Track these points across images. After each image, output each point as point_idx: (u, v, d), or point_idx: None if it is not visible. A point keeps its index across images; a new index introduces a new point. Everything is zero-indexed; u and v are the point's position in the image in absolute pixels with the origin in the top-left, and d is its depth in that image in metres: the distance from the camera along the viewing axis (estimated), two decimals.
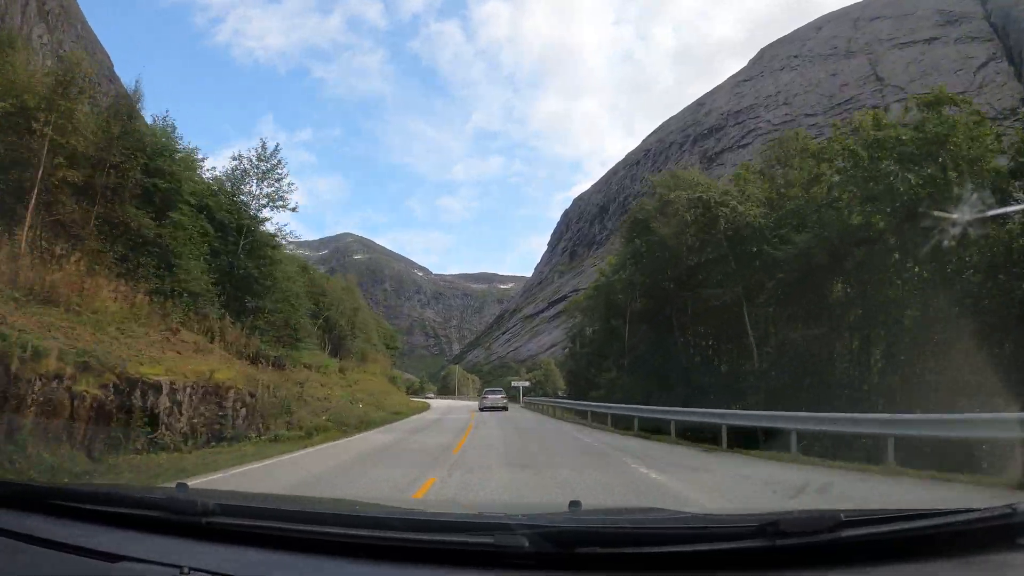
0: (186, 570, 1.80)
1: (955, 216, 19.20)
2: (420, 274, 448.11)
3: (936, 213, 19.62)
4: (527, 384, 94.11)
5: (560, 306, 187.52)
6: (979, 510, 1.83)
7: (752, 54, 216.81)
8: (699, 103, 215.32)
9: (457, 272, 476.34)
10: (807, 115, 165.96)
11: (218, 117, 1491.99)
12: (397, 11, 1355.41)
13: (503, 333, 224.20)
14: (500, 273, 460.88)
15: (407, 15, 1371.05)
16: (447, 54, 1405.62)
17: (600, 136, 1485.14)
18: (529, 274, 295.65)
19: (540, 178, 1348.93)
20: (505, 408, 47.46)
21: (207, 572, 1.80)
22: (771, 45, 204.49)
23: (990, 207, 19.21)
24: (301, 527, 2.07)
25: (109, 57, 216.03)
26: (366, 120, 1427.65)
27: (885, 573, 1.72)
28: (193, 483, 5.80)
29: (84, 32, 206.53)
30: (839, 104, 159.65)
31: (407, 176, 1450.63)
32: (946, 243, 20.25)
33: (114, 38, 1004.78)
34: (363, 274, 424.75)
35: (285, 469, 13.30)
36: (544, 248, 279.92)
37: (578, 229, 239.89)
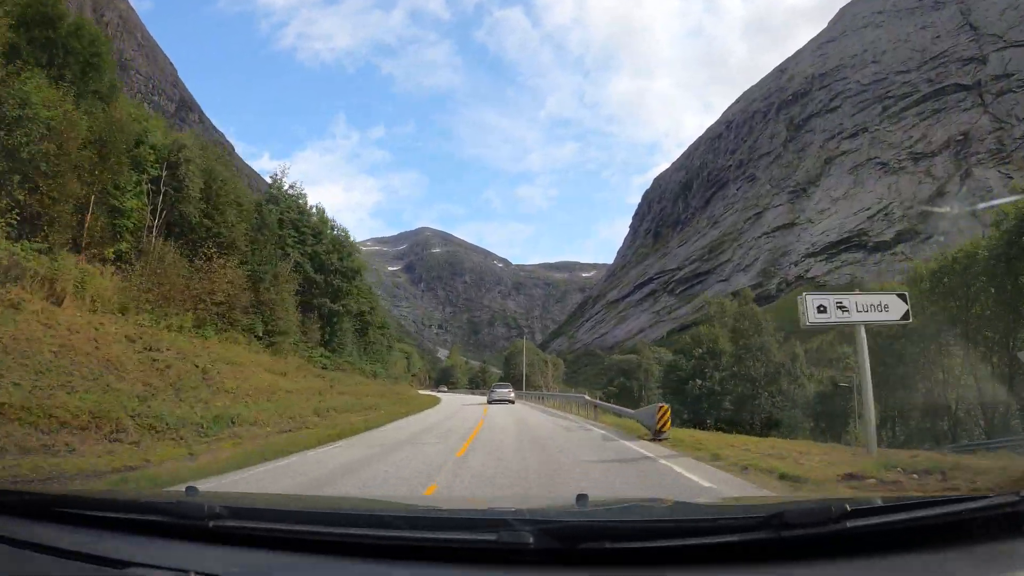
0: (192, 574, 1.82)
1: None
2: (500, 265, 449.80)
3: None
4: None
5: (647, 289, 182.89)
6: (986, 497, 1.84)
7: (830, 16, 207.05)
8: (780, 69, 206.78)
9: (537, 262, 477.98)
10: (899, 72, 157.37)
11: (290, 121, 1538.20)
12: (459, 0, 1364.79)
13: (586, 320, 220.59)
14: (581, 261, 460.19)
15: (470, 4, 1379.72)
16: (513, 41, 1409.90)
17: (675, 115, 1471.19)
18: (610, 261, 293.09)
19: (617, 162, 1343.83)
20: (512, 402, 48.47)
21: (213, 575, 1.83)
22: (852, 3, 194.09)
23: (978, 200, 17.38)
24: (306, 528, 2.10)
25: (172, 64, 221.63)
26: (438, 114, 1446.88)
27: (891, 563, 1.74)
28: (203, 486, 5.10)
29: (144, 41, 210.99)
30: (933, 58, 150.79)
31: (483, 168, 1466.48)
32: None
33: (179, 49, 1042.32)
34: (442, 267, 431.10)
35: None
36: (625, 232, 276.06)
37: (660, 209, 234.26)
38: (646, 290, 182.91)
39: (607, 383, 76.93)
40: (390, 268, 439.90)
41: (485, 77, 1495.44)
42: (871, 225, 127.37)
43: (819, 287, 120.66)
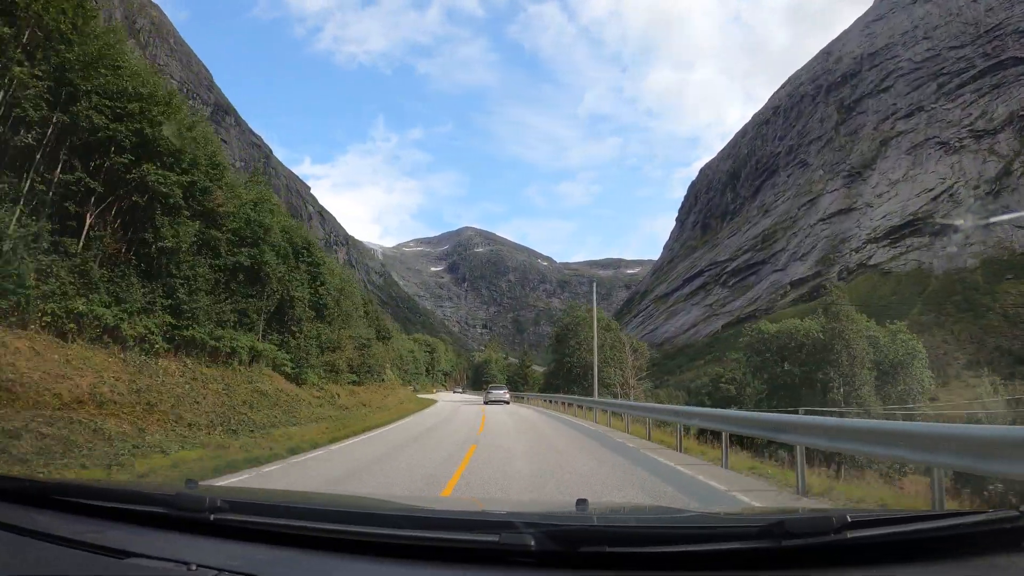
0: (193, 567, 1.83)
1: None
2: (544, 263, 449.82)
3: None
4: None
5: (697, 282, 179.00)
6: (985, 513, 1.88)
7: None
8: (827, 52, 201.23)
9: (582, 260, 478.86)
10: (952, 47, 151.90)
11: (330, 124, 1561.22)
12: None
13: (635, 317, 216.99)
14: (625, 258, 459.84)
15: (503, 0, 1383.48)
16: (548, 37, 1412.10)
17: (716, 107, 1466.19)
18: (655, 257, 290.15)
19: (658, 157, 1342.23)
20: (507, 402, 51.63)
21: (214, 569, 1.83)
22: None
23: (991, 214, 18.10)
24: (308, 524, 2.11)
25: (207, 68, 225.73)
26: (476, 113, 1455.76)
27: (892, 574, 1.76)
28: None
29: (177, 46, 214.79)
30: (987, 31, 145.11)
31: (523, 166, 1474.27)
32: None
33: (217, 58, 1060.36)
34: (486, 266, 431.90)
35: None
36: (670, 226, 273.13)
37: (708, 200, 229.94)
38: (696, 283, 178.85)
39: (757, 373, 49.21)
40: (433, 269, 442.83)
41: (521, 74, 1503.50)
42: (936, 207, 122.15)
43: (884, 274, 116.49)
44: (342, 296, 38.07)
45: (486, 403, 49.98)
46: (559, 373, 70.83)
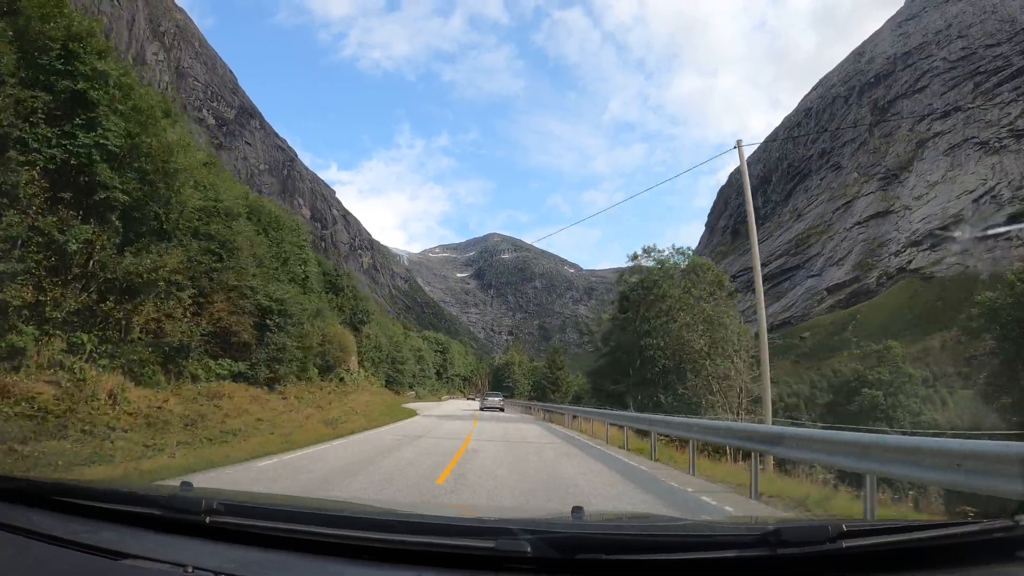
0: (189, 569, 1.82)
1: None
2: (571, 270, 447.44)
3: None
4: None
5: (729, 288, 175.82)
6: (980, 522, 1.88)
7: None
8: (858, 53, 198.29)
9: (608, 267, 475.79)
10: (988, 46, 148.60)
11: (356, 130, 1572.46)
12: (517, 3, 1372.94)
13: None
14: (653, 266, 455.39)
15: (528, 7, 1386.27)
16: (573, 43, 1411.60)
17: (742, 114, 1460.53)
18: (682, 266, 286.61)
19: (684, 165, 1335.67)
20: (502, 409, 52.80)
21: (210, 571, 1.82)
22: None
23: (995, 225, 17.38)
24: (304, 528, 2.09)
25: (232, 71, 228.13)
26: (501, 120, 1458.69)
27: None
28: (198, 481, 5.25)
29: (202, 49, 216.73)
30: None
31: (548, 174, 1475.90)
32: None
33: (240, 60, 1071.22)
34: (512, 273, 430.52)
35: None
36: (697, 234, 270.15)
37: (738, 205, 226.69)
38: (728, 289, 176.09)
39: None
40: (459, 275, 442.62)
41: (546, 82, 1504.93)
42: (977, 209, 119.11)
43: (926, 279, 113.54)
44: (173, 170, 17.40)
45: (482, 408, 52.68)
46: (621, 370, 44.29)
